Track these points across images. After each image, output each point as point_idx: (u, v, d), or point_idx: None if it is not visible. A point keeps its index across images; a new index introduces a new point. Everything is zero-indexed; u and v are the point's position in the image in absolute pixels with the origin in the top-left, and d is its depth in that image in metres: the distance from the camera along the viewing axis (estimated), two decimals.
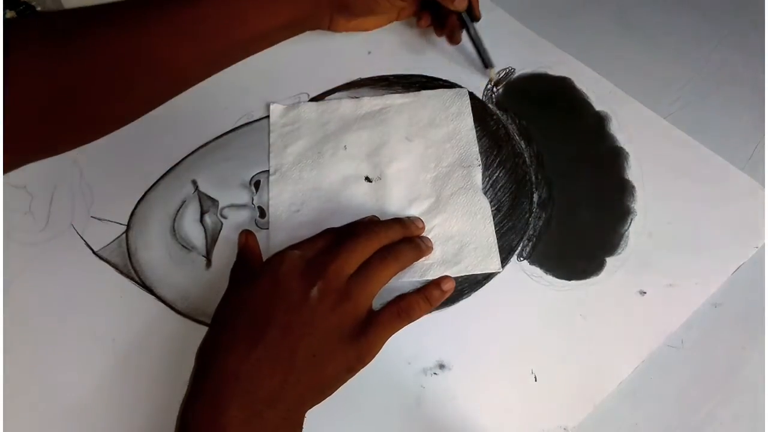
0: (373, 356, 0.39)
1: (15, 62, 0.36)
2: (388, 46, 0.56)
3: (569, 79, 0.54)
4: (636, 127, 0.51)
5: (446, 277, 0.43)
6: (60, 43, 0.38)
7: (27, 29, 0.39)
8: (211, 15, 0.43)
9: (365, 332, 0.38)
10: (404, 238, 0.44)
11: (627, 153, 0.50)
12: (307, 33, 0.58)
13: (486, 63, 0.53)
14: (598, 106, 0.52)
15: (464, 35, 0.54)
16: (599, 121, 0.51)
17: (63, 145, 0.43)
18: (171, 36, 0.42)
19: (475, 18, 0.53)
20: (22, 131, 0.38)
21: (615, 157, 0.50)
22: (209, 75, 0.46)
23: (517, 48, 0.55)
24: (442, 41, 0.56)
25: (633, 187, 0.48)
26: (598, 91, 0.53)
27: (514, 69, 0.54)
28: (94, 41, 0.39)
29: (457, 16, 0.52)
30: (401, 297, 0.41)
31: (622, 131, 0.51)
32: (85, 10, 0.41)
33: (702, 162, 0.49)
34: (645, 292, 0.45)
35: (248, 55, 0.48)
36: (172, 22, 0.42)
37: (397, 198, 0.48)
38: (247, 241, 0.45)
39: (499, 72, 0.54)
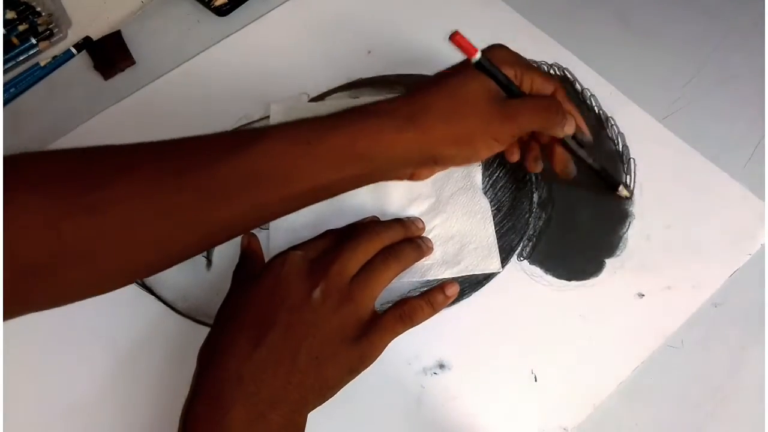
0: (375, 358, 0.39)
1: (14, 216, 0.31)
2: (388, 46, 0.56)
3: (570, 78, 0.54)
4: (635, 132, 0.51)
5: (451, 282, 0.43)
6: (72, 195, 0.33)
7: (28, 174, 0.34)
8: (255, 171, 0.36)
9: (367, 334, 0.38)
10: (405, 239, 0.44)
11: (626, 157, 0.50)
12: (307, 31, 0.58)
13: (611, 185, 0.47)
14: (597, 108, 0.52)
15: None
16: (598, 123, 0.51)
17: (64, 300, 0.37)
18: (205, 194, 0.36)
19: (586, 141, 0.44)
20: (22, 286, 0.33)
21: (613, 161, 0.50)
22: (238, 234, 0.41)
23: (519, 43, 0.54)
24: (442, 41, 0.56)
25: (632, 190, 0.48)
26: (599, 92, 0.53)
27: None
28: (115, 198, 0.34)
29: (561, 142, 0.44)
30: (404, 301, 0.41)
31: (620, 135, 0.51)
32: (94, 153, 0.36)
33: (697, 170, 0.49)
34: (643, 295, 0.45)
35: (292, 211, 0.40)
36: (209, 177, 0.35)
37: (397, 198, 0.48)
38: (249, 243, 0.45)
39: (628, 187, 0.47)
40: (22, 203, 0.32)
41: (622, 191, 0.47)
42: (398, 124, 0.38)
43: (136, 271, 0.38)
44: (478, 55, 0.38)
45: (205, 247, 0.40)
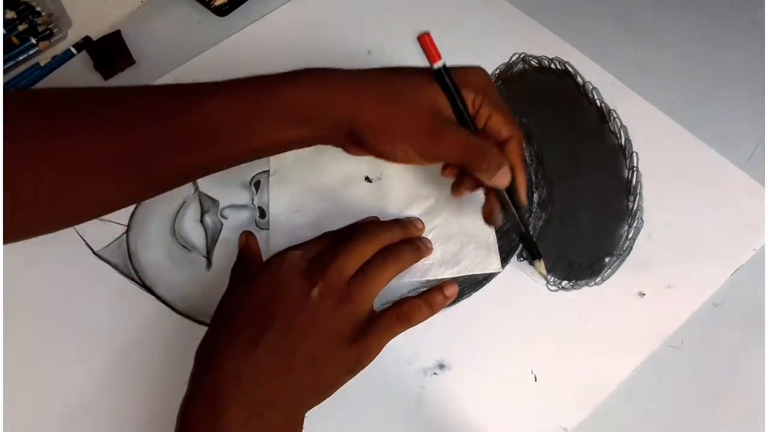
0: (373, 358, 0.39)
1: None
2: (388, 46, 0.56)
3: (571, 72, 0.53)
4: (637, 124, 0.50)
5: (450, 282, 0.42)
6: (25, 138, 0.35)
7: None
8: (201, 126, 0.37)
9: (365, 334, 0.38)
10: (404, 239, 0.44)
11: (628, 152, 0.50)
12: (306, 31, 0.58)
13: (531, 254, 0.44)
14: (599, 101, 0.52)
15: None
16: (600, 117, 0.51)
17: (43, 231, 0.40)
18: (153, 145, 0.37)
19: (520, 204, 0.42)
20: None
21: (615, 156, 0.50)
22: (183, 183, 0.42)
23: (519, 39, 0.54)
24: (442, 39, 0.56)
25: (633, 187, 0.48)
26: (600, 84, 0.52)
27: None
28: (77, 142, 0.36)
29: (496, 194, 0.42)
30: (403, 301, 0.41)
31: (623, 128, 0.51)
32: (82, 97, 0.38)
33: (703, 160, 0.49)
34: (644, 294, 0.45)
35: (234, 165, 0.42)
36: (158, 129, 0.37)
37: (397, 198, 0.48)
38: (247, 241, 0.45)
39: (546, 265, 0.44)
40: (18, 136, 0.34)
41: (540, 267, 0.44)
42: (338, 93, 0.38)
43: (100, 208, 0.40)
44: (440, 63, 0.37)
45: (158, 191, 0.41)
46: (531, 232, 0.45)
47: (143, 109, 0.38)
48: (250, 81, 0.38)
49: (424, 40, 0.36)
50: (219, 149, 0.39)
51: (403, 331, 0.40)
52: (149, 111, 0.37)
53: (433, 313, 0.41)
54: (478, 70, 0.41)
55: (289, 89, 0.38)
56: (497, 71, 0.54)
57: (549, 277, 0.45)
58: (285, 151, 0.41)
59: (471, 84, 0.39)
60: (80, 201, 0.38)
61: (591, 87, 0.52)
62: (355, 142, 0.40)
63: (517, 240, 0.47)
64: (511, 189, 0.41)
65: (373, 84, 0.39)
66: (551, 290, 0.45)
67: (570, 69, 0.54)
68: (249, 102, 0.38)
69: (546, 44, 0.55)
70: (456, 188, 0.43)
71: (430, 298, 0.41)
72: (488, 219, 0.44)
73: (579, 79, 0.53)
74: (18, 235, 0.38)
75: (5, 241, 0.37)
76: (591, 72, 0.53)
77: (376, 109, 0.38)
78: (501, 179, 0.39)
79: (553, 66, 0.54)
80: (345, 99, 0.38)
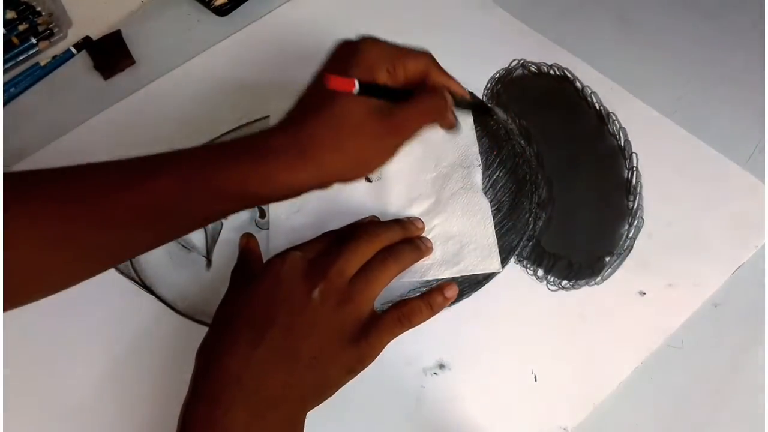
0: (374, 359, 0.39)
1: None
2: None
3: (570, 77, 0.54)
4: (636, 126, 0.51)
5: (450, 283, 0.42)
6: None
7: None
8: (153, 204, 0.36)
9: (366, 335, 0.38)
10: (404, 239, 0.44)
11: (627, 152, 0.50)
12: (306, 31, 0.58)
13: (485, 111, 0.50)
14: (598, 105, 0.52)
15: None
16: (599, 119, 0.51)
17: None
18: (105, 221, 0.36)
19: (464, 100, 0.44)
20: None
21: (615, 156, 0.50)
22: (145, 251, 0.41)
23: (517, 46, 0.54)
24: (442, 40, 0.56)
25: (633, 187, 0.48)
26: (599, 88, 0.53)
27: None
28: (6, 224, 0.34)
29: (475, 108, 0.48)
30: (404, 302, 0.41)
31: (622, 130, 0.51)
32: (12, 179, 0.36)
33: (703, 160, 0.49)
34: (645, 293, 0.45)
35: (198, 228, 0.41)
36: (107, 210, 0.36)
37: (397, 198, 0.48)
38: (248, 243, 0.45)
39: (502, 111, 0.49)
40: None
41: (500, 113, 0.49)
42: (290, 163, 0.36)
43: (44, 288, 0.39)
44: (356, 87, 0.36)
45: (93, 274, 0.39)
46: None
47: (91, 188, 0.36)
48: (194, 156, 0.37)
49: (333, 83, 0.36)
50: (165, 226, 0.38)
51: (403, 332, 0.40)
52: (96, 191, 0.36)
53: (434, 314, 0.41)
54: (367, 45, 0.39)
55: (237, 167, 0.36)
56: (497, 75, 0.54)
57: (549, 277, 0.45)
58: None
59: (374, 64, 0.38)
60: (48, 275, 0.37)
61: (590, 91, 0.53)
62: (324, 188, 0.39)
63: (517, 240, 0.47)
64: (454, 96, 0.42)
65: (314, 133, 0.37)
66: (551, 290, 0.45)
67: (568, 74, 0.54)
68: (198, 180, 0.36)
69: (544, 51, 0.55)
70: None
71: (431, 299, 0.41)
72: (449, 128, 0.43)
73: (578, 84, 0.53)
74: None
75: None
76: (589, 77, 0.53)
77: (337, 157, 0.37)
78: (450, 120, 0.41)
79: (551, 71, 0.54)
80: (295, 166, 0.36)
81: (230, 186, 0.36)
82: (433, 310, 0.41)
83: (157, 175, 0.36)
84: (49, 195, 0.36)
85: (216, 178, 0.36)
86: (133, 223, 0.36)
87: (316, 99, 0.38)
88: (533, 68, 0.55)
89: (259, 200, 0.39)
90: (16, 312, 0.45)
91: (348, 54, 0.39)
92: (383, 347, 0.39)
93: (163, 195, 0.36)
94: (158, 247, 0.40)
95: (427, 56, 0.41)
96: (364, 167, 0.39)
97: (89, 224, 0.36)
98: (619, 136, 0.50)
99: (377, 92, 0.38)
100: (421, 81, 0.40)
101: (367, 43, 0.39)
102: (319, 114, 0.38)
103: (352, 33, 0.59)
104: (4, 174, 0.36)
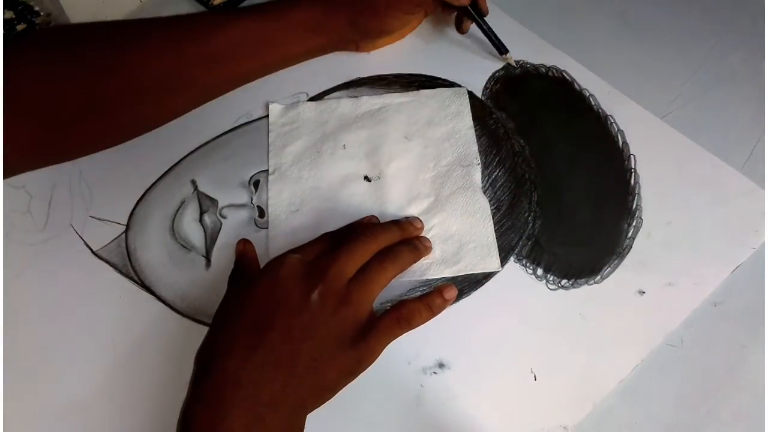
0: (373, 361, 0.39)
1: (15, 80, 0.40)
2: (387, 46, 0.56)
3: (568, 79, 0.54)
4: (634, 128, 0.51)
5: (449, 285, 0.43)
6: (72, 58, 0.43)
7: (27, 46, 0.43)
8: (242, 40, 0.47)
9: (365, 337, 0.38)
10: (403, 240, 0.44)
11: (626, 154, 0.50)
12: None
13: (500, 50, 0.54)
14: (596, 107, 0.52)
15: (473, 27, 0.55)
16: (598, 121, 0.51)
17: (71, 153, 0.47)
18: (203, 59, 0.46)
19: (482, 13, 0.53)
20: (25, 136, 0.41)
21: (614, 157, 0.50)
22: (232, 89, 0.50)
23: (516, 48, 0.54)
24: (442, 40, 0.56)
25: (632, 188, 0.48)
26: (597, 91, 0.53)
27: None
28: (123, 61, 0.43)
29: (463, 11, 0.53)
30: (403, 304, 0.41)
31: (620, 132, 0.51)
32: (110, 26, 0.46)
33: (699, 163, 0.49)
34: (644, 292, 0.45)
35: (271, 72, 0.51)
36: (206, 45, 0.46)
37: (396, 197, 0.48)
38: (244, 248, 0.45)
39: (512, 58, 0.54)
40: (62, 67, 0.42)
41: (509, 58, 0.54)
42: (340, 6, 0.50)
43: (147, 122, 0.48)
44: None
45: (199, 104, 0.49)
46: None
47: (189, 30, 0.46)
48: (266, 5, 0.49)
49: None
50: (252, 59, 0.49)
51: (402, 333, 0.40)
52: (195, 32, 0.46)
53: (433, 316, 0.41)
54: None
55: (303, 6, 0.49)
56: (497, 75, 0.54)
57: (549, 276, 0.45)
58: (309, 59, 0.53)
59: None
60: (150, 111, 0.47)
61: (588, 94, 0.53)
62: (361, 35, 0.52)
63: (516, 239, 0.47)
64: (475, 3, 0.53)
65: None
66: (551, 289, 0.45)
67: (567, 77, 0.54)
68: (271, 19, 0.48)
69: (542, 54, 0.55)
70: (459, 25, 0.55)
71: (430, 301, 0.41)
72: (458, 28, 0.56)
73: (576, 86, 0.53)
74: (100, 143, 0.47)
75: (60, 158, 0.46)
76: (587, 80, 0.53)
77: (366, 5, 0.50)
78: None
79: (550, 74, 0.54)
80: (345, 9, 0.50)
81: (303, 21, 0.49)
82: (432, 312, 0.41)
83: (240, 17, 0.48)
84: (161, 37, 0.45)
85: (292, 16, 0.49)
86: (225, 58, 0.47)
87: None
88: (532, 70, 0.55)
89: (320, 35, 0.51)
90: (16, 312, 0.45)
91: None
92: (382, 349, 0.39)
93: (245, 32, 0.47)
94: (250, 81, 0.51)
95: None
96: (383, 11, 0.51)
97: (193, 60, 0.46)
98: (618, 138, 0.50)
99: None
100: None
101: None
102: None
103: None
104: (126, 21, 0.48)
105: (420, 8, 0.53)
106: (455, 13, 0.55)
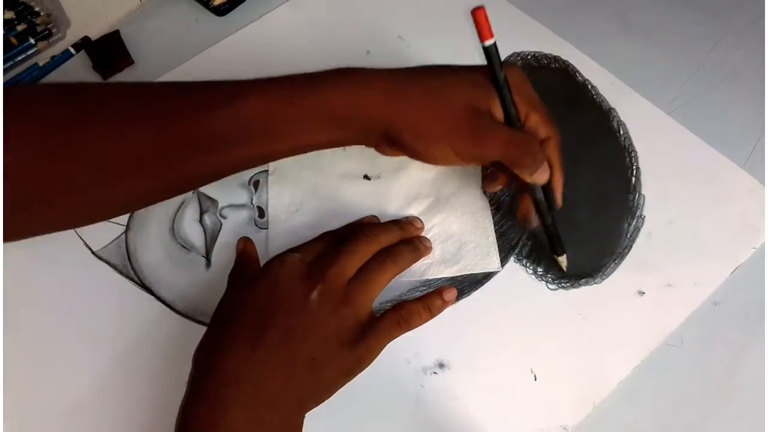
0: (372, 361, 0.39)
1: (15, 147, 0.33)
2: (386, 46, 0.56)
3: (570, 71, 0.53)
4: (637, 122, 0.50)
5: (448, 287, 0.43)
6: (60, 132, 0.35)
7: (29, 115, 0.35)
8: (252, 126, 0.37)
9: (364, 337, 0.38)
10: (403, 240, 0.44)
11: (628, 150, 0.50)
12: (305, 31, 0.58)
13: (556, 251, 0.44)
14: (599, 100, 0.52)
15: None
16: (600, 114, 0.51)
17: (61, 227, 0.41)
18: (186, 143, 0.37)
19: (555, 205, 0.42)
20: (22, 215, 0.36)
21: (616, 153, 0.50)
22: (220, 178, 0.41)
23: (518, 37, 0.54)
24: (442, 41, 0.56)
25: (633, 186, 0.48)
26: (600, 82, 0.52)
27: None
28: (87, 139, 0.35)
29: (530, 193, 0.42)
30: (402, 304, 0.41)
31: (623, 127, 0.50)
32: (100, 92, 0.37)
33: (703, 159, 0.49)
34: (644, 293, 0.45)
35: (281, 158, 0.42)
36: (193, 127, 0.36)
37: (396, 197, 0.48)
38: (245, 247, 0.45)
39: (567, 257, 0.45)
40: (22, 135, 0.34)
41: (562, 262, 0.45)
42: (373, 95, 0.38)
43: (115, 208, 0.40)
44: (491, 40, 0.36)
45: (176, 193, 0.41)
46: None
47: (175, 108, 0.37)
48: (283, 81, 0.38)
49: (478, 15, 0.35)
50: (250, 150, 0.38)
51: (401, 334, 0.40)
52: (181, 110, 0.37)
53: (432, 317, 0.41)
54: (514, 68, 0.39)
55: (323, 91, 0.37)
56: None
57: (549, 276, 0.45)
58: (317, 150, 0.41)
59: (515, 84, 0.38)
60: (108, 198, 0.38)
61: (590, 85, 0.52)
62: (390, 143, 0.39)
63: (516, 239, 0.47)
64: (546, 189, 0.41)
65: (409, 84, 0.38)
66: (551, 289, 0.45)
67: (569, 68, 0.53)
68: (282, 103, 0.37)
69: (545, 43, 0.55)
70: (489, 182, 0.43)
71: (429, 303, 0.41)
72: (523, 220, 0.43)
73: (579, 78, 0.53)
74: (34, 230, 0.39)
75: (26, 236, 0.38)
76: (590, 71, 0.53)
77: (412, 110, 0.38)
78: (541, 176, 0.39)
79: (552, 65, 0.54)
80: (380, 101, 0.37)
81: (316, 108, 0.37)
82: (431, 314, 0.41)
83: (243, 97, 0.36)
84: (147, 115, 0.36)
85: (304, 100, 0.37)
86: (215, 146, 0.37)
87: (436, 67, 0.39)
88: (533, 61, 0.54)
89: (337, 127, 0.38)
90: (15, 312, 0.45)
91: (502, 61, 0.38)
92: (381, 349, 0.39)
93: (248, 116, 0.37)
94: (244, 170, 0.41)
95: (557, 131, 0.40)
96: (424, 145, 0.39)
97: (184, 145, 0.36)
98: (620, 133, 0.50)
99: (501, 91, 0.37)
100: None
101: (518, 69, 0.40)
102: (427, 74, 0.38)
103: (351, 33, 0.59)
104: (77, 84, 0.38)
105: (479, 161, 0.42)
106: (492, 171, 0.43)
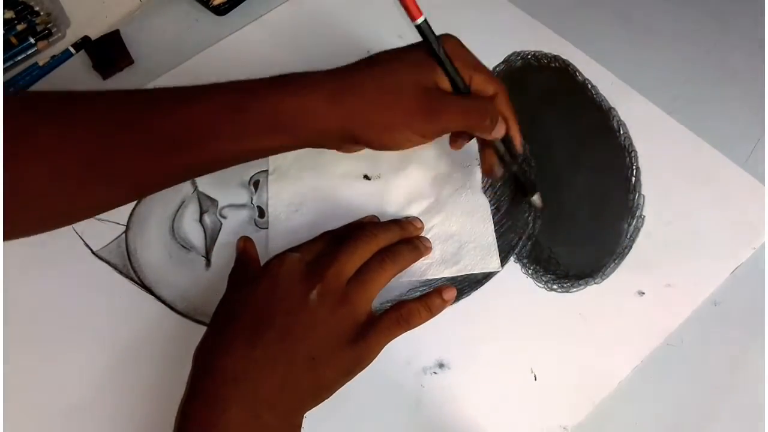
0: (371, 360, 0.39)
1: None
2: (387, 46, 0.56)
3: (570, 70, 0.53)
4: (637, 122, 0.50)
5: (448, 286, 0.42)
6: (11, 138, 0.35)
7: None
8: (198, 131, 0.37)
9: (364, 337, 0.38)
10: (402, 240, 0.44)
11: (629, 150, 0.50)
12: (305, 31, 0.58)
13: (526, 193, 0.46)
14: (599, 99, 0.52)
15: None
16: (600, 114, 0.51)
17: (34, 231, 0.40)
18: (136, 147, 0.37)
19: (516, 153, 0.44)
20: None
21: (616, 153, 0.50)
22: (178, 183, 0.41)
23: (518, 35, 0.54)
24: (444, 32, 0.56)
25: (633, 186, 0.48)
26: (600, 82, 0.52)
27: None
28: (42, 145, 0.35)
29: (493, 147, 0.43)
30: (402, 304, 0.41)
31: (623, 126, 0.50)
32: (48, 99, 0.38)
33: (703, 159, 0.49)
34: (644, 293, 0.45)
35: (231, 165, 0.41)
36: (141, 130, 0.36)
37: (396, 197, 0.48)
38: (245, 246, 0.45)
39: (540, 196, 0.46)
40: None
41: (535, 201, 0.46)
42: (320, 99, 0.37)
43: (71, 215, 0.40)
44: (421, 18, 0.37)
45: (133, 199, 0.42)
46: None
47: (123, 113, 0.37)
48: (230, 87, 0.38)
49: None
50: (198, 155, 0.38)
51: (401, 334, 0.40)
52: (128, 115, 0.37)
53: (432, 317, 0.41)
54: (448, 37, 0.40)
55: (269, 98, 0.37)
56: (497, 69, 0.54)
57: (549, 276, 0.45)
58: (267, 156, 0.41)
59: (453, 51, 0.39)
60: (70, 202, 0.38)
61: (591, 85, 0.52)
62: (352, 141, 0.39)
63: (516, 239, 0.47)
64: (506, 140, 0.42)
65: (355, 80, 0.38)
66: (551, 289, 0.45)
67: (569, 67, 0.53)
68: (225, 111, 0.37)
69: (545, 42, 0.55)
70: (454, 141, 0.45)
71: (429, 302, 0.41)
72: (489, 173, 0.45)
73: (579, 77, 0.53)
74: (9, 234, 0.38)
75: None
76: (590, 70, 0.53)
77: (365, 107, 0.38)
78: (499, 131, 0.41)
79: (552, 64, 0.54)
80: (327, 104, 0.37)
81: (261, 114, 0.37)
82: (431, 313, 0.41)
83: (188, 103, 0.37)
84: (97, 119, 0.37)
85: (248, 106, 0.37)
86: (165, 150, 0.37)
87: (374, 58, 0.40)
88: (533, 61, 0.54)
89: (286, 134, 0.38)
90: (15, 312, 0.45)
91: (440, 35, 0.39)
92: (381, 349, 0.39)
93: (193, 121, 0.37)
94: (199, 176, 0.42)
95: (502, 85, 0.41)
96: (387, 136, 0.39)
97: (133, 149, 0.37)
98: (620, 132, 0.50)
99: (443, 64, 0.38)
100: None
101: (455, 38, 0.41)
102: (369, 66, 0.39)
103: (351, 32, 0.59)
104: (38, 93, 0.38)
105: (441, 135, 0.41)
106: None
